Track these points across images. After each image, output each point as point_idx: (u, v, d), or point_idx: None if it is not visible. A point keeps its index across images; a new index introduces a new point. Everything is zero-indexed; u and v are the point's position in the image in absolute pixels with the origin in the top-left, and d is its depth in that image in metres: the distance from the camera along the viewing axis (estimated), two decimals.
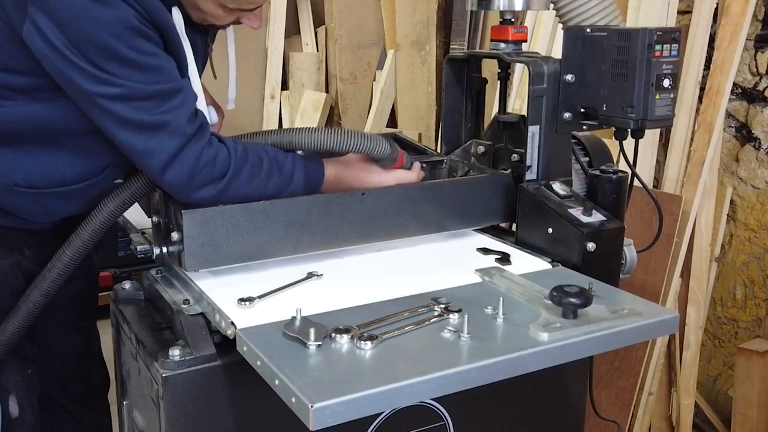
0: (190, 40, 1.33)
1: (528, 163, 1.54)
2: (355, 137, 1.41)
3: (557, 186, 1.50)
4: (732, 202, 2.36)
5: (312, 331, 1.05)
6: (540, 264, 1.43)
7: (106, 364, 1.77)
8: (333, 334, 1.07)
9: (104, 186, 1.46)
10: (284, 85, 4.06)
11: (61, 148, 1.36)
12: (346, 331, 1.08)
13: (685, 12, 2.34)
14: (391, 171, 1.49)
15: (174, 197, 1.31)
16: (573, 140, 1.61)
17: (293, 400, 0.94)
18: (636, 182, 1.54)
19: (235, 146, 1.32)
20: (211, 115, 1.57)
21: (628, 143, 1.49)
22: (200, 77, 1.43)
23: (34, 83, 1.27)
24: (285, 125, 4.06)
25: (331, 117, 3.95)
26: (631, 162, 1.53)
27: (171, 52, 1.28)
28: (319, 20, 4.04)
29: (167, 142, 1.24)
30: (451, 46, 3.13)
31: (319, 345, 1.05)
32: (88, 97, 1.22)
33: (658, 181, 2.37)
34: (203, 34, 1.44)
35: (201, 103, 1.33)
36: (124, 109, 1.22)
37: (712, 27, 2.24)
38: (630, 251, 1.47)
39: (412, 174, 1.52)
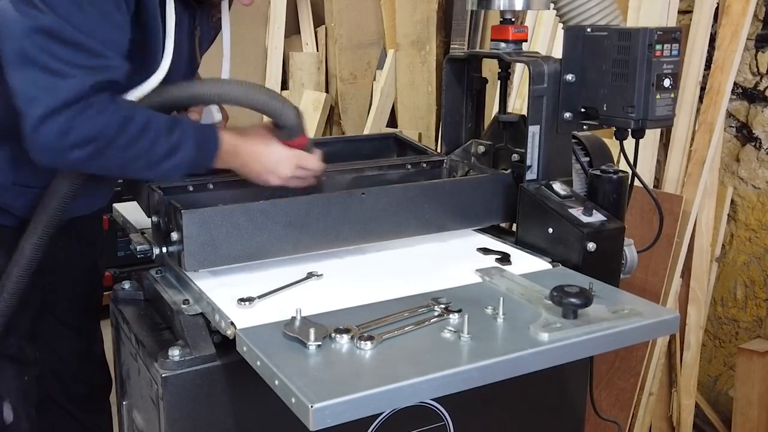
0: (178, 18, 1.29)
1: (528, 163, 1.53)
2: (263, 93, 1.33)
3: (557, 186, 1.50)
4: (733, 202, 2.35)
5: (312, 331, 1.05)
6: (540, 264, 1.43)
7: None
8: (333, 334, 1.07)
9: (99, 182, 1.45)
10: (284, 85, 4.06)
11: None
12: (346, 331, 1.08)
13: (685, 12, 2.34)
14: (291, 149, 1.39)
15: (43, 160, 1.21)
16: (573, 140, 1.60)
17: (293, 400, 0.94)
18: (636, 182, 1.54)
19: (118, 109, 1.22)
20: (214, 115, 1.57)
21: (629, 143, 1.49)
22: (186, 59, 1.40)
23: None
24: None
25: (331, 117, 3.95)
26: (632, 162, 1.53)
27: (144, 27, 1.24)
28: (319, 20, 4.04)
29: (58, 94, 1.14)
30: (452, 46, 3.13)
31: (319, 345, 1.04)
32: (8, 26, 1.14)
33: (658, 181, 2.37)
34: (191, 14, 1.41)
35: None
36: (40, 44, 1.13)
37: (712, 27, 2.24)
38: (630, 251, 1.47)
39: (314, 158, 1.42)
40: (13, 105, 1.20)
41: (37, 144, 1.18)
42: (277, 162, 1.38)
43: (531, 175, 1.54)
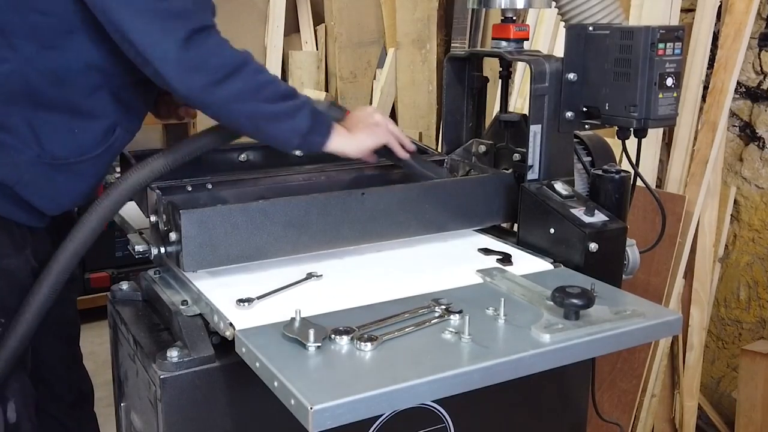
0: None
1: (530, 162, 1.52)
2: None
3: (559, 186, 1.49)
4: (736, 202, 2.34)
5: (311, 332, 1.04)
6: (542, 264, 1.42)
7: (103, 365, 1.76)
8: (333, 335, 1.06)
9: (115, 154, 1.46)
10: None
11: (70, 111, 1.35)
12: (346, 332, 1.07)
13: (688, 10, 2.33)
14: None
15: (192, 82, 1.24)
16: (575, 139, 1.59)
17: (292, 401, 0.93)
18: (639, 182, 1.53)
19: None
20: None
21: (631, 143, 1.48)
22: None
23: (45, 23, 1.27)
24: None
25: None
26: (634, 161, 1.52)
27: None
28: (318, 18, 4.03)
29: (186, 22, 1.21)
30: (452, 45, 3.12)
31: (318, 346, 1.04)
32: None
33: (661, 180, 2.36)
34: None
35: None
36: None
37: (715, 25, 2.23)
38: (633, 252, 1.46)
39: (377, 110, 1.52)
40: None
41: (184, 64, 1.22)
42: (369, 115, 1.47)
43: (532, 174, 1.53)
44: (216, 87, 1.24)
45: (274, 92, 1.29)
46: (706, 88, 2.23)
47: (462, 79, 1.73)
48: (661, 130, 2.30)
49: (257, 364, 1.03)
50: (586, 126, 1.54)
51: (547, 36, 2.59)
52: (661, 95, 1.40)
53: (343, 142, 1.39)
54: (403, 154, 1.51)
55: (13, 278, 1.39)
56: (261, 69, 1.30)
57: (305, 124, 1.31)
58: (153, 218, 1.39)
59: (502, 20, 1.61)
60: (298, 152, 1.41)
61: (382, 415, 1.23)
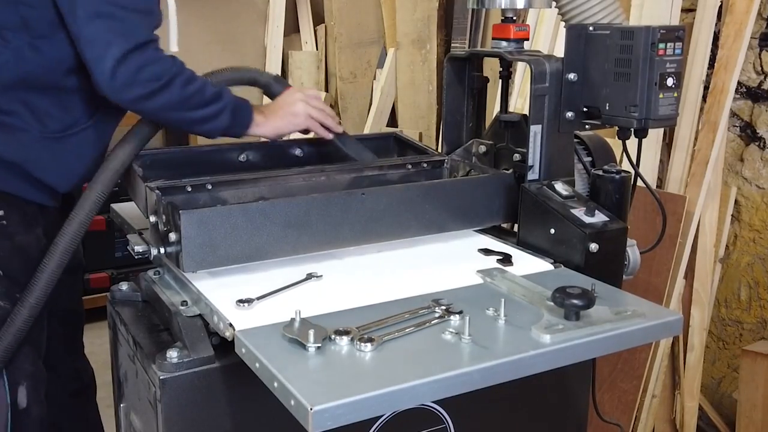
0: None
1: (530, 162, 1.52)
2: (237, 71, 1.61)
3: (559, 186, 1.48)
4: (736, 202, 2.34)
5: (311, 332, 1.04)
6: (542, 265, 1.42)
7: (102, 366, 1.77)
8: (333, 336, 1.06)
9: (109, 121, 1.53)
10: None
11: (58, 89, 1.43)
12: (346, 332, 1.07)
13: (689, 10, 2.33)
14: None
15: (121, 96, 1.36)
16: (575, 140, 1.59)
17: (292, 402, 0.93)
18: (639, 182, 1.53)
19: (168, 55, 1.41)
20: None
21: (631, 143, 1.47)
22: None
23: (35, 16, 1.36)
24: None
25: None
26: (635, 162, 1.51)
27: None
28: (318, 18, 4.03)
29: (132, 37, 1.33)
30: (452, 45, 3.12)
31: (318, 347, 1.03)
32: None
33: (661, 181, 2.35)
34: None
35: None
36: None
37: (716, 25, 2.23)
38: (633, 252, 1.46)
39: (310, 89, 1.65)
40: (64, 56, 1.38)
41: (118, 81, 1.34)
42: (292, 102, 1.59)
43: (533, 175, 1.52)
44: (146, 100, 1.37)
45: (199, 100, 1.43)
46: (706, 88, 2.23)
47: (462, 79, 1.73)
48: (661, 131, 2.29)
49: (257, 365, 1.03)
50: (587, 126, 1.54)
51: (548, 36, 2.59)
52: (661, 95, 1.40)
53: (259, 130, 1.57)
54: (326, 136, 1.65)
55: (25, 254, 1.43)
56: (189, 79, 1.42)
57: (225, 122, 1.49)
58: (153, 219, 1.38)
59: (502, 20, 1.61)
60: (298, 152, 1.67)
61: (382, 416, 1.23)
